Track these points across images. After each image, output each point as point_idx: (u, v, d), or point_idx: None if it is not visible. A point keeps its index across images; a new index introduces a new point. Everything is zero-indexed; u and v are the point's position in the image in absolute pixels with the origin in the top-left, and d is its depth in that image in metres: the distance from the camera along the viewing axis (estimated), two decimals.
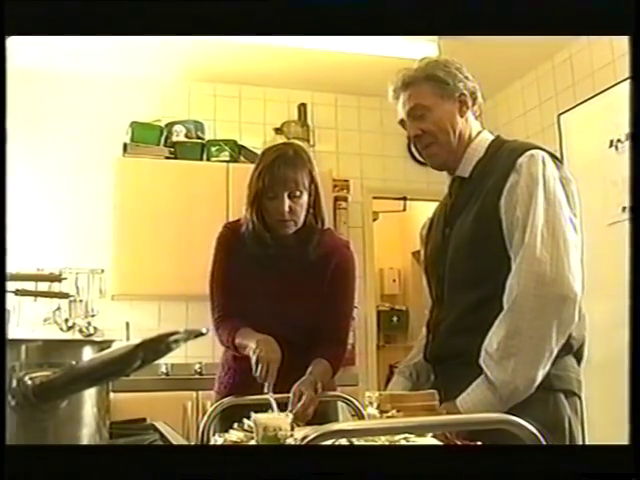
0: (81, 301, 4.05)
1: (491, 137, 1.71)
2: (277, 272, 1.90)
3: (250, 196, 1.86)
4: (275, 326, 1.80)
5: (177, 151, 4.18)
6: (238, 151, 4.28)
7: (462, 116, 1.66)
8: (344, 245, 1.98)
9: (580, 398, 1.55)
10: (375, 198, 4.84)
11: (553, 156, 1.59)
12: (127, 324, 3.96)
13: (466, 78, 1.67)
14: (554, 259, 1.45)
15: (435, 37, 3.76)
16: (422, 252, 1.87)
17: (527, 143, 1.64)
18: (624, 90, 3.38)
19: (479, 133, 1.70)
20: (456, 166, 1.68)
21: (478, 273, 1.56)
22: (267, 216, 1.84)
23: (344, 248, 1.97)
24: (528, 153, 1.55)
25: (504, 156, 1.60)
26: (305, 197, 1.84)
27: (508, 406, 1.40)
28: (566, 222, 1.50)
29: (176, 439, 1.39)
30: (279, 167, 1.80)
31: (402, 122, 1.71)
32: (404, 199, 4.88)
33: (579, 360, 1.57)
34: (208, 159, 4.22)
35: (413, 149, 1.72)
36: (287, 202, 1.80)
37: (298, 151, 1.87)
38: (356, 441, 1.00)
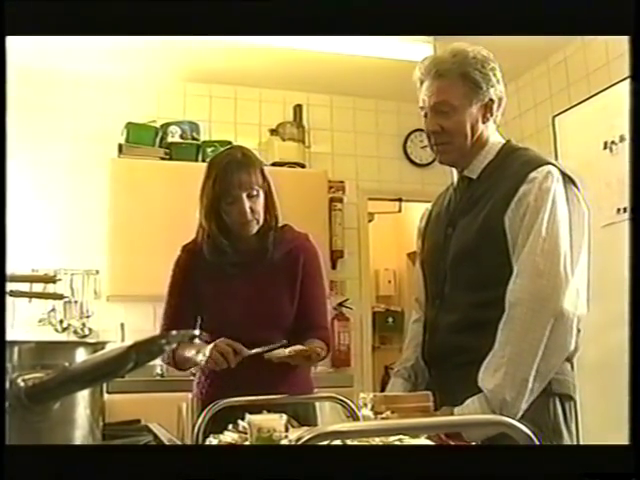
0: (76, 302, 4.05)
1: (502, 140, 1.69)
2: (245, 277, 1.92)
3: (207, 205, 1.89)
4: (253, 330, 1.83)
5: (172, 152, 4.18)
6: None
7: (485, 122, 1.63)
8: (305, 239, 2.01)
9: (575, 401, 1.55)
10: (370, 199, 4.84)
11: (566, 175, 1.56)
12: (122, 325, 3.96)
13: (498, 82, 1.64)
14: (552, 275, 1.43)
15: (431, 37, 3.77)
16: (419, 245, 1.85)
17: (541, 157, 1.61)
18: (619, 92, 3.39)
19: (492, 136, 1.67)
20: (465, 165, 1.66)
21: (482, 277, 1.55)
22: (229, 220, 1.88)
23: (306, 242, 2.00)
24: (541, 168, 1.52)
25: (516, 166, 1.58)
26: (262, 196, 1.89)
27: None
28: (568, 241, 1.48)
29: (170, 440, 1.38)
30: (233, 171, 1.85)
31: (422, 108, 1.66)
32: (399, 200, 4.88)
33: (572, 365, 1.57)
34: (203, 160, 4.21)
35: (425, 141, 1.71)
36: (247, 203, 1.84)
37: (246, 152, 1.92)
38: (350, 442, 1.00)
